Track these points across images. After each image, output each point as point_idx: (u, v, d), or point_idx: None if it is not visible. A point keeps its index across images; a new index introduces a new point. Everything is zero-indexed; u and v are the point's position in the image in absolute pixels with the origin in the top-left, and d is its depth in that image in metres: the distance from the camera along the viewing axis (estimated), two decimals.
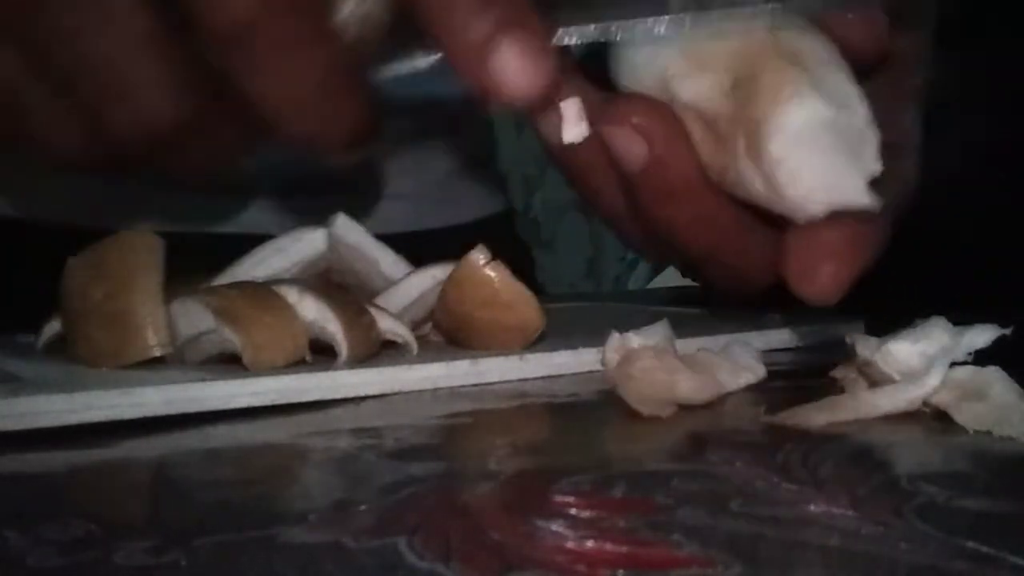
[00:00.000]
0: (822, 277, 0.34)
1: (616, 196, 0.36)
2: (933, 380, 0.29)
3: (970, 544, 0.19)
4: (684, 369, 0.32)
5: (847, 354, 0.33)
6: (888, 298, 0.42)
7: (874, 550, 0.19)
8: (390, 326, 0.36)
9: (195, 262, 0.37)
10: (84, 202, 0.57)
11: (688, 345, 0.35)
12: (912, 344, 0.30)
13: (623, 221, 0.38)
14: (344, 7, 0.32)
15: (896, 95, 0.38)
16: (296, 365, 0.33)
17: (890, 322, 0.32)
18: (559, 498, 0.22)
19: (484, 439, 0.30)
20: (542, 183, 2.15)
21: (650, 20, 0.33)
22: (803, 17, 0.33)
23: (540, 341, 0.38)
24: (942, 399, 0.29)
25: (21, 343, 0.39)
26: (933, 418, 0.29)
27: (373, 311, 0.36)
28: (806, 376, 0.37)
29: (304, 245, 0.40)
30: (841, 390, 0.32)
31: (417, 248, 0.41)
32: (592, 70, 0.36)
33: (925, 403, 0.29)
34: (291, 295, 0.34)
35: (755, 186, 0.33)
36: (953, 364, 0.30)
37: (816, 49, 0.33)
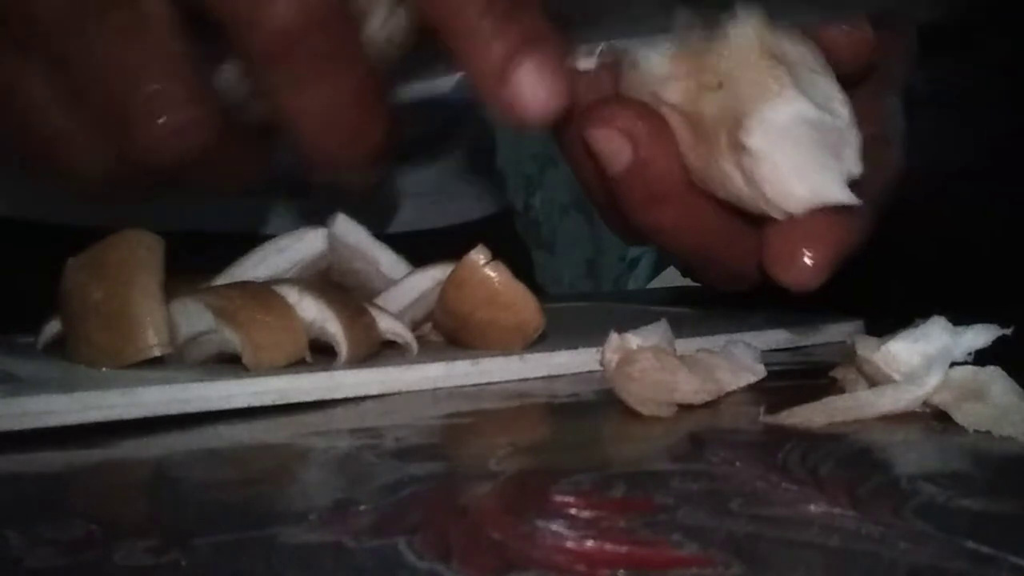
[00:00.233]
0: (801, 262, 0.34)
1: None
2: (933, 380, 0.29)
3: (970, 544, 0.19)
4: (684, 369, 0.32)
5: (847, 354, 0.33)
6: (888, 298, 0.42)
7: (874, 550, 0.19)
8: (390, 326, 0.36)
9: (195, 262, 0.37)
10: (84, 202, 0.57)
11: (688, 345, 0.35)
12: (912, 344, 0.31)
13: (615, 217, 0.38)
14: (371, 24, 0.32)
15: (880, 86, 0.38)
16: (296, 365, 0.33)
17: (890, 322, 0.32)
18: (559, 498, 0.22)
19: (484, 439, 0.30)
20: (542, 183, 2.15)
21: (658, 38, 0.34)
22: (790, 24, 0.34)
23: (540, 341, 0.38)
24: (942, 399, 0.29)
25: (21, 343, 0.39)
26: (933, 418, 0.29)
27: (373, 311, 0.36)
28: (806, 376, 0.37)
29: (304, 245, 0.40)
30: (841, 390, 0.32)
31: (417, 248, 0.41)
32: None
33: (925, 403, 0.29)
34: (291, 295, 0.34)
35: (736, 183, 0.33)
36: (953, 364, 0.30)
37: (801, 52, 0.33)
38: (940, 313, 0.31)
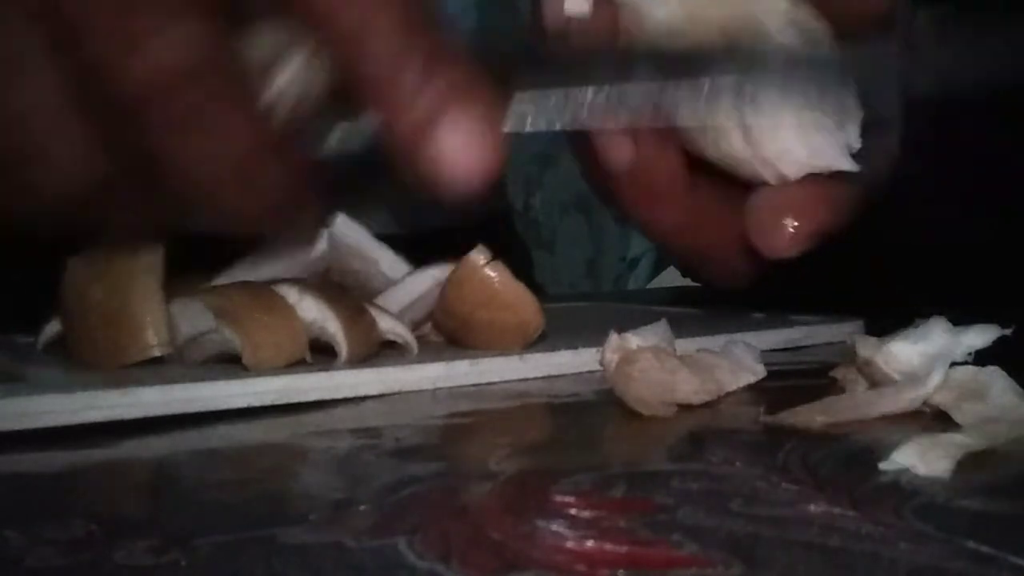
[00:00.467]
0: (781, 230, 0.34)
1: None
2: (933, 380, 0.29)
3: (970, 544, 0.19)
4: (684, 369, 0.32)
5: (847, 354, 0.33)
6: (888, 298, 0.42)
7: (874, 550, 0.19)
8: (390, 326, 0.36)
9: (195, 262, 0.37)
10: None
11: (688, 345, 0.35)
12: (912, 344, 0.31)
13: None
14: (277, 81, 0.29)
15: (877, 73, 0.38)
16: (296, 365, 0.33)
17: (890, 322, 0.32)
18: (559, 498, 0.22)
19: (484, 439, 0.30)
20: (542, 183, 2.15)
21: (613, 90, 0.32)
22: None
23: (540, 341, 0.38)
24: (942, 399, 0.29)
25: (21, 343, 0.39)
26: (933, 418, 0.29)
27: (373, 311, 0.36)
28: (806, 376, 0.37)
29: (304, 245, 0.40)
30: (841, 390, 0.32)
31: (417, 248, 0.41)
32: None
33: (925, 403, 0.29)
34: (291, 295, 0.34)
35: (734, 141, 0.33)
36: (953, 364, 0.30)
37: (816, 27, 0.34)
38: (940, 313, 0.31)
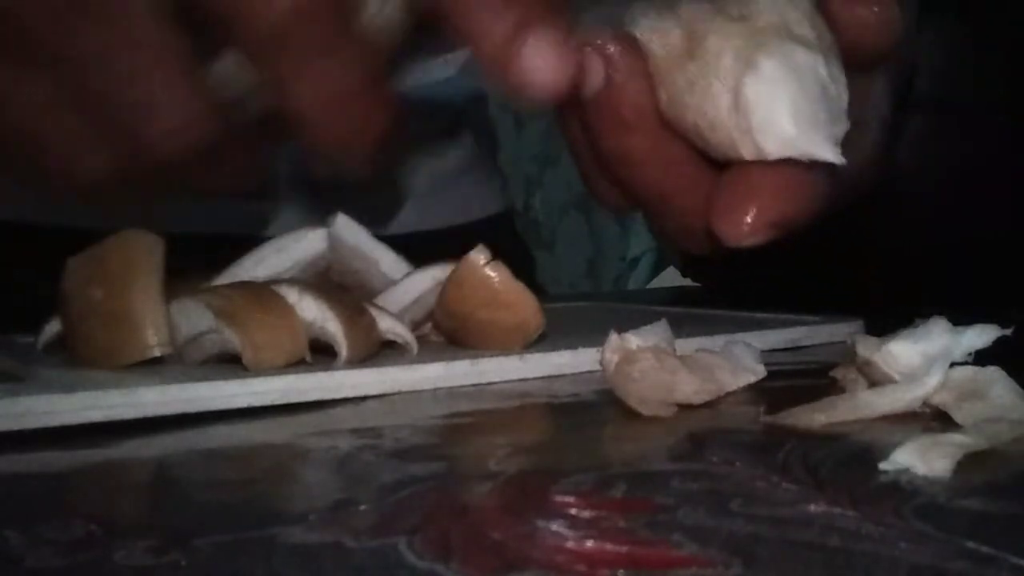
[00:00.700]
0: (740, 217, 0.34)
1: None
2: (933, 380, 0.29)
3: (970, 544, 0.19)
4: (684, 370, 0.32)
5: (847, 354, 0.33)
6: (888, 298, 0.42)
7: (874, 550, 0.19)
8: (390, 326, 0.36)
9: (195, 262, 0.37)
10: (86, 206, 0.57)
11: (688, 345, 0.35)
12: (912, 344, 0.31)
13: (587, 162, 0.38)
14: (367, 10, 0.32)
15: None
16: (296, 365, 0.33)
17: (890, 322, 0.32)
18: (559, 498, 0.22)
19: (484, 439, 0.30)
20: (542, 183, 2.15)
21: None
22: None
23: (540, 341, 0.38)
24: (942, 399, 0.29)
25: (21, 343, 0.39)
26: (933, 418, 0.29)
27: (373, 311, 0.36)
28: (806, 376, 0.37)
29: (304, 245, 0.40)
30: (841, 390, 0.32)
31: (417, 248, 0.41)
32: None
33: (925, 403, 0.29)
34: (291, 295, 0.34)
35: (721, 105, 0.33)
36: (953, 364, 0.30)
37: (820, 31, 0.34)
38: (940, 313, 0.31)
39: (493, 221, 0.70)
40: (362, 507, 0.22)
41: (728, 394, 0.33)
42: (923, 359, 0.30)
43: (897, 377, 0.30)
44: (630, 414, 0.30)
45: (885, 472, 0.24)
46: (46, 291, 0.36)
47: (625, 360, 0.32)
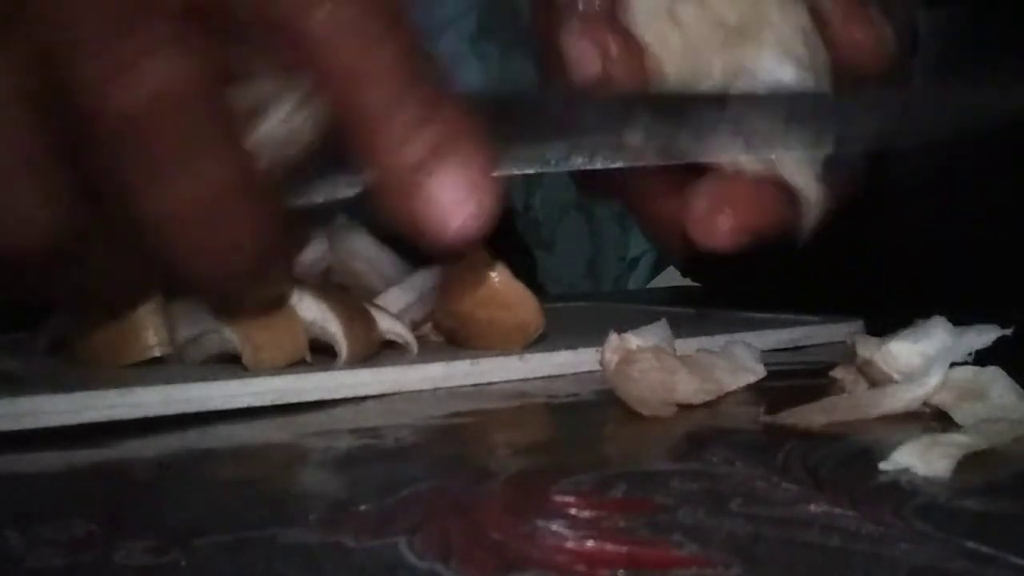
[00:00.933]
0: (716, 223, 0.34)
1: None
2: (933, 380, 0.29)
3: (970, 544, 0.19)
4: (683, 370, 0.32)
5: (847, 354, 0.33)
6: (888, 298, 0.42)
7: (874, 550, 0.19)
8: (390, 326, 0.36)
9: None
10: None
11: (688, 345, 0.35)
12: (912, 344, 0.30)
13: None
14: (270, 120, 0.28)
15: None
16: (296, 365, 0.33)
17: (890, 322, 0.32)
18: (559, 498, 0.22)
19: (484, 439, 0.30)
20: (542, 183, 2.15)
21: (604, 152, 0.32)
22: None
23: (540, 341, 0.38)
24: (942, 399, 0.29)
25: (21, 343, 0.39)
26: (933, 418, 0.29)
27: (373, 311, 0.36)
28: (806, 376, 0.37)
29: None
30: (841, 390, 0.32)
31: (417, 248, 0.41)
32: None
33: (925, 403, 0.29)
34: (291, 295, 0.34)
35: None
36: (953, 364, 0.30)
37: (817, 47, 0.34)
38: (940, 313, 0.31)
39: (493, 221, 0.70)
40: (362, 507, 0.22)
41: (728, 394, 0.33)
42: (923, 359, 0.30)
43: (897, 377, 0.30)
44: (630, 414, 0.30)
45: (885, 472, 0.24)
46: None
47: (625, 360, 0.32)
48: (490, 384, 0.36)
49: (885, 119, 0.37)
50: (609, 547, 0.20)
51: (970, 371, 0.29)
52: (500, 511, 0.22)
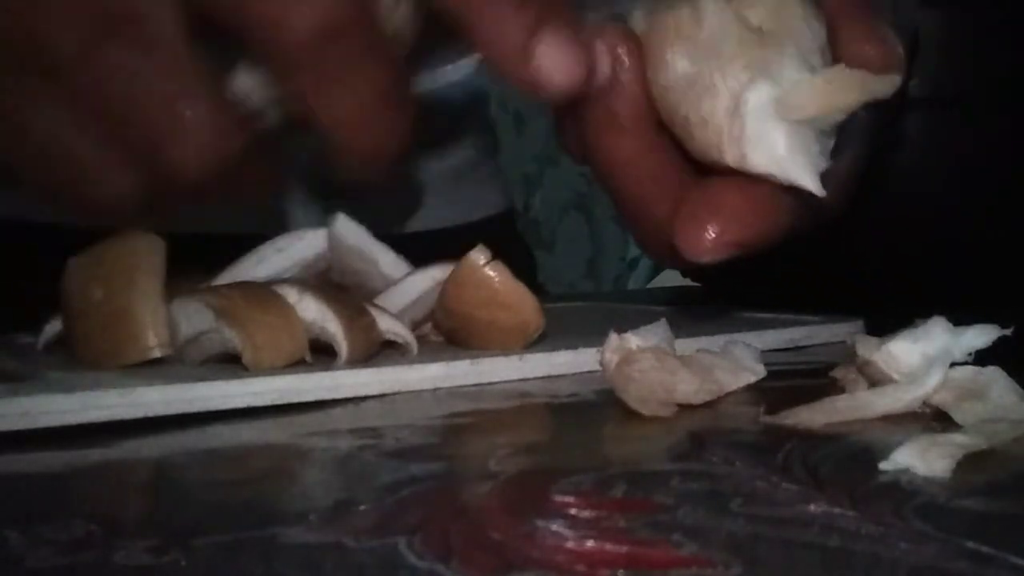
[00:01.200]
0: (702, 232, 0.34)
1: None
2: (933, 380, 0.29)
3: (970, 544, 0.19)
4: (683, 370, 0.32)
5: (847, 354, 0.33)
6: (888, 298, 0.42)
7: (874, 550, 0.19)
8: (390, 326, 0.36)
9: (195, 262, 0.37)
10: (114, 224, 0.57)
11: (688, 345, 0.35)
12: (912, 344, 0.31)
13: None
14: (395, 18, 0.33)
15: None
16: (296, 365, 0.33)
17: (891, 322, 0.32)
18: (559, 498, 0.22)
19: (484, 439, 0.30)
20: (542, 183, 2.15)
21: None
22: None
23: (540, 341, 0.38)
24: (942, 399, 0.29)
25: (21, 343, 0.39)
26: (933, 418, 0.29)
27: (373, 311, 0.36)
28: (806, 376, 0.37)
29: (304, 245, 0.40)
30: (841, 390, 0.32)
31: (417, 248, 0.41)
32: None
33: (925, 403, 0.29)
34: (291, 295, 0.34)
35: (719, 106, 0.33)
36: (953, 364, 0.30)
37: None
38: (940, 313, 0.31)
39: (493, 221, 0.70)
40: (362, 507, 0.22)
41: (728, 394, 0.33)
42: (923, 359, 0.30)
43: (897, 377, 0.30)
44: (630, 414, 0.30)
45: (885, 472, 0.24)
46: (46, 291, 0.36)
47: (625, 360, 0.32)
48: (490, 384, 0.36)
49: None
50: (609, 547, 0.20)
51: (970, 371, 0.29)
52: (500, 511, 0.22)
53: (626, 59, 0.35)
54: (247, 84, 0.33)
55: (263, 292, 0.34)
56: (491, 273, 0.36)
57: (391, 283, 0.40)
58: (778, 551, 0.19)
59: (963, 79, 0.53)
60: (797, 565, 0.19)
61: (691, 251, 0.34)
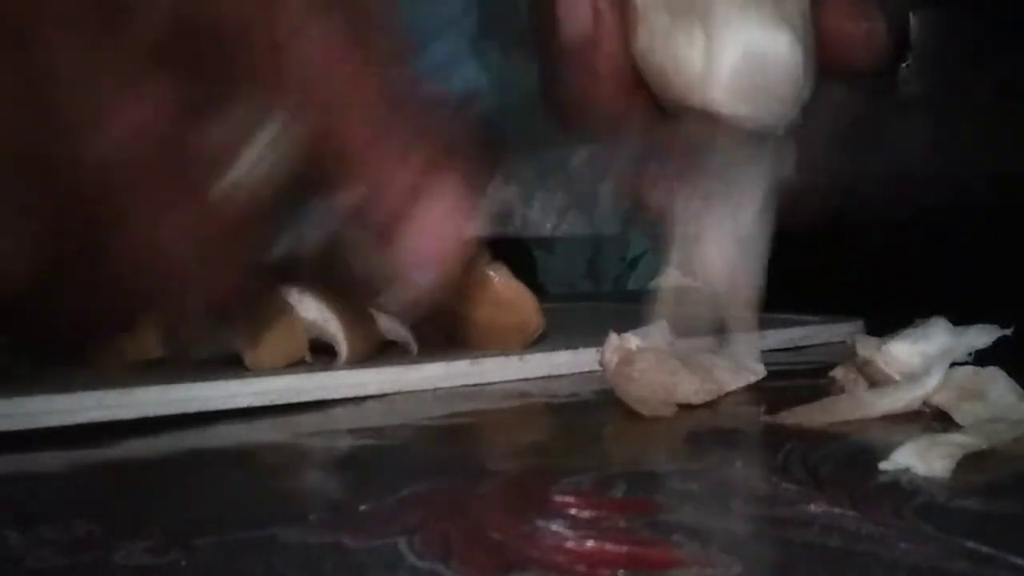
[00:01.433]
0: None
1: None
2: (933, 380, 0.29)
3: (970, 544, 0.19)
4: (683, 370, 0.32)
5: (847, 354, 0.33)
6: (888, 298, 0.42)
7: (874, 550, 0.19)
8: (390, 326, 0.36)
9: None
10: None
11: (688, 345, 0.35)
12: (912, 344, 0.31)
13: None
14: (240, 166, 0.27)
15: None
16: (296, 365, 0.33)
17: (891, 322, 0.32)
18: (559, 498, 0.22)
19: (484, 439, 0.30)
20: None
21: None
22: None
23: (540, 341, 0.38)
24: (942, 399, 0.29)
25: (21, 343, 0.39)
26: (933, 418, 0.29)
27: (373, 311, 0.36)
28: (806, 376, 0.37)
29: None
30: (841, 390, 0.32)
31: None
32: None
33: (925, 403, 0.29)
34: (291, 295, 0.34)
35: (694, 48, 0.33)
36: (953, 364, 0.30)
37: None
38: (940, 313, 0.31)
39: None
40: (362, 507, 0.22)
41: (728, 394, 0.33)
42: (923, 359, 0.30)
43: (897, 377, 0.30)
44: (630, 414, 0.30)
45: (885, 472, 0.24)
46: None
47: (625, 360, 0.32)
48: (490, 384, 0.36)
49: None
50: (609, 547, 0.20)
51: (970, 371, 0.29)
52: (500, 511, 0.22)
53: (606, 11, 0.35)
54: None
55: (263, 292, 0.34)
56: (491, 273, 0.36)
57: None
58: (778, 551, 0.19)
59: (963, 79, 0.53)
60: (797, 565, 0.19)
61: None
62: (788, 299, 0.47)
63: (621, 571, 0.18)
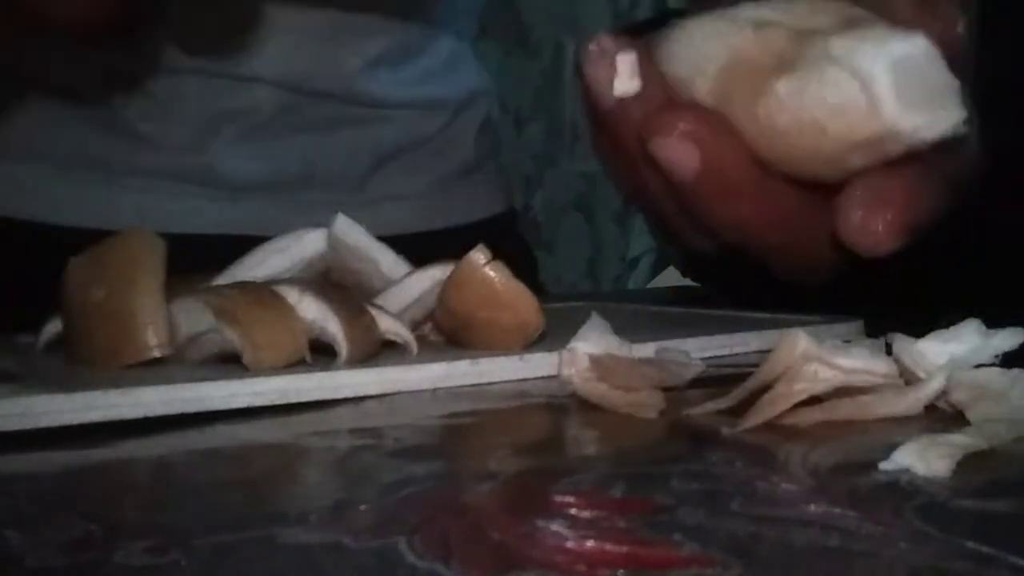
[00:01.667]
0: (876, 224, 0.33)
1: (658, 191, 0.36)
2: (934, 385, 0.29)
3: (970, 544, 0.19)
4: (641, 364, 0.32)
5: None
6: (888, 298, 0.42)
7: (874, 550, 0.19)
8: (390, 326, 0.36)
9: (195, 262, 0.37)
10: (85, 203, 0.57)
11: (689, 346, 0.35)
12: (943, 344, 0.31)
13: (668, 217, 0.37)
14: None
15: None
16: (296, 365, 0.33)
17: (890, 322, 0.32)
18: (559, 498, 0.22)
19: (484, 439, 0.30)
20: (542, 183, 2.15)
21: None
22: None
23: (540, 341, 0.38)
24: (958, 398, 0.29)
25: (21, 343, 0.39)
26: (933, 418, 0.29)
27: (373, 311, 0.36)
28: None
29: (304, 245, 0.40)
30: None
31: (417, 248, 0.41)
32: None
33: (945, 401, 0.30)
34: (291, 295, 0.34)
35: (841, 90, 0.32)
36: (979, 365, 0.30)
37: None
38: (939, 313, 0.31)
39: (494, 221, 0.70)
40: (362, 507, 0.22)
41: (728, 394, 0.33)
42: (951, 360, 0.30)
43: (923, 375, 0.30)
44: (630, 414, 0.30)
45: (885, 472, 0.24)
46: (46, 291, 0.36)
47: (586, 372, 0.32)
48: (490, 384, 0.36)
49: None
50: (609, 547, 0.20)
51: (995, 372, 0.30)
52: (500, 511, 0.22)
53: (709, 135, 0.33)
54: None
55: (263, 292, 0.34)
56: (491, 273, 0.36)
57: (391, 283, 0.40)
58: (778, 551, 0.19)
59: (993, 79, 0.52)
60: (797, 565, 0.19)
61: (867, 246, 0.33)
62: (788, 299, 0.47)
63: (621, 571, 0.18)
